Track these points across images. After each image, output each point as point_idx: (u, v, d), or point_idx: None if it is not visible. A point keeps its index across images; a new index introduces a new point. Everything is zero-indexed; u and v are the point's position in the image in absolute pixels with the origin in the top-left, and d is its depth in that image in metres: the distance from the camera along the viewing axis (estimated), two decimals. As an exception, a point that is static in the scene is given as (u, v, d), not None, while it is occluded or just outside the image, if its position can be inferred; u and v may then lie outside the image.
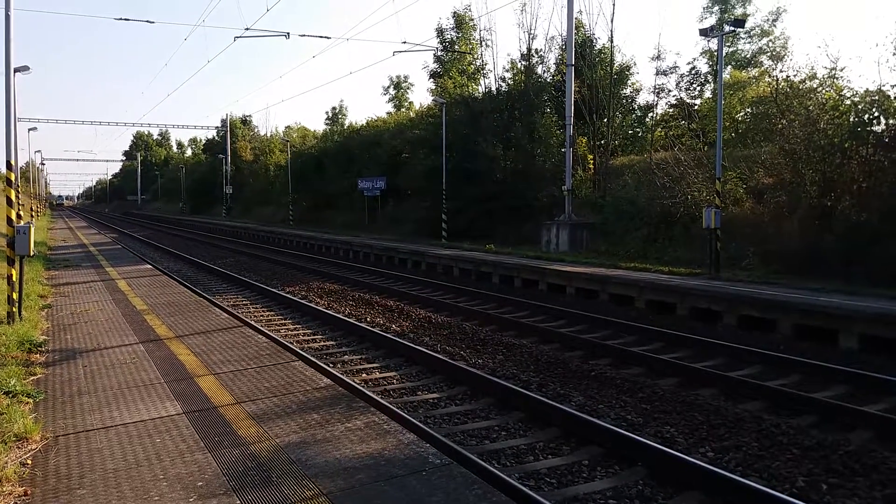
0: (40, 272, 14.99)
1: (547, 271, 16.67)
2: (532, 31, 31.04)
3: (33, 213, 43.74)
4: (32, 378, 6.34)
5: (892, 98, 14.90)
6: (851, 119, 15.38)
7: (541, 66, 31.55)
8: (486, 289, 16.53)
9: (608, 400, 7.69)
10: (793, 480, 5.50)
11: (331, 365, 9.09)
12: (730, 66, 32.69)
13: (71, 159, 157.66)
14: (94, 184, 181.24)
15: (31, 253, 9.21)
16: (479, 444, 6.32)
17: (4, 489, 3.90)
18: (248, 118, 75.48)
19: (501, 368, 9.05)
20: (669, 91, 31.21)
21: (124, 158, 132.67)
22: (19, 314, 8.92)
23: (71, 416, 5.27)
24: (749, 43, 35.94)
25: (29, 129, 51.95)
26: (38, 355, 7.29)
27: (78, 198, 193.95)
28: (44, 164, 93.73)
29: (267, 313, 13.50)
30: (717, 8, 36.53)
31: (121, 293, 12.27)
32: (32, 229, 9.00)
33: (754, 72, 30.31)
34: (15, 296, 8.94)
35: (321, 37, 60.41)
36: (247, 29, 27.75)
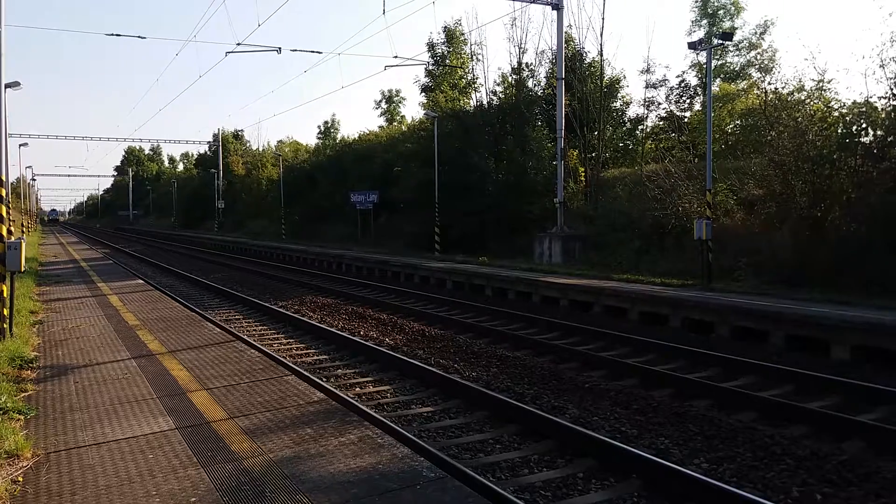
0: (31, 288, 14.91)
1: (540, 283, 16.69)
2: (522, 46, 31.27)
3: (24, 229, 43.53)
4: (24, 394, 6.29)
5: (880, 109, 15.04)
6: (840, 130, 15.50)
7: (531, 79, 31.73)
8: (479, 301, 16.54)
9: (602, 412, 7.68)
10: (787, 490, 5.50)
11: (324, 379, 9.06)
12: (719, 79, 32.94)
13: (62, 174, 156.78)
14: (86, 199, 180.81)
15: (23, 269, 9.16)
16: (474, 457, 6.31)
17: (-5, 507, 3.86)
18: (239, 133, 75.60)
19: (496, 381, 9.04)
20: (659, 104, 31.40)
21: (116, 173, 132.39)
22: (10, 330, 8.86)
23: (62, 432, 5.23)
24: (737, 56, 36.22)
25: (20, 145, 52.05)
26: (29, 371, 7.24)
27: (69, 213, 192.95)
28: (35, 180, 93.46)
29: (260, 328, 13.46)
30: (705, 21, 36.84)
31: (112, 308, 12.21)
32: (24, 245, 8.96)
33: (743, 84, 30.57)
34: (6, 312, 8.87)
35: (312, 51, 60.90)
36: (238, 44, 27.78)
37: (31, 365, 7.52)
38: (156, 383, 6.68)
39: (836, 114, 15.99)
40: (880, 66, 15.05)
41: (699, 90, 31.25)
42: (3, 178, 8.87)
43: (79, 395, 6.31)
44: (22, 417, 5.58)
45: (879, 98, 15.11)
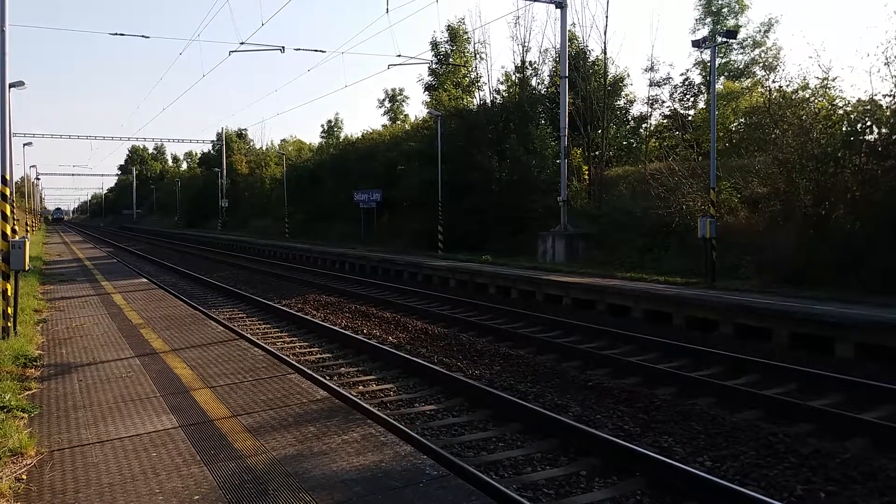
0: (35, 287, 14.95)
1: (543, 282, 16.68)
2: (526, 44, 31.28)
3: (28, 228, 43.64)
4: (28, 393, 6.31)
5: (884, 107, 14.98)
6: (844, 128, 15.45)
7: (535, 78, 31.75)
8: (482, 300, 16.52)
9: (606, 410, 7.68)
10: (791, 489, 5.49)
11: (327, 377, 9.07)
12: (723, 77, 32.90)
13: (66, 174, 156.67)
14: (90, 198, 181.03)
15: (27, 268, 9.18)
16: (477, 455, 6.31)
17: (-1, 505, 3.88)
18: (243, 132, 75.67)
19: (499, 379, 9.04)
20: (663, 102, 31.33)
21: (119, 173, 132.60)
22: (14, 329, 8.89)
23: (66, 430, 5.25)
24: (742, 54, 36.22)
25: (24, 144, 52.03)
26: (33, 370, 7.26)
27: (73, 212, 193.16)
28: (39, 179, 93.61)
29: (263, 326, 13.48)
30: (709, 19, 36.80)
31: (116, 307, 12.23)
32: (28, 244, 8.98)
33: (747, 82, 30.52)
34: (10, 310, 8.91)
35: (316, 50, 60.91)
36: (242, 43, 27.77)
37: (34, 363, 7.54)
38: (159, 381, 6.70)
39: (841, 112, 15.93)
40: (885, 64, 15.01)
41: (703, 88, 31.19)
42: (7, 177, 8.89)
43: (82, 393, 6.32)
44: (26, 415, 5.59)
45: (884, 96, 15.06)
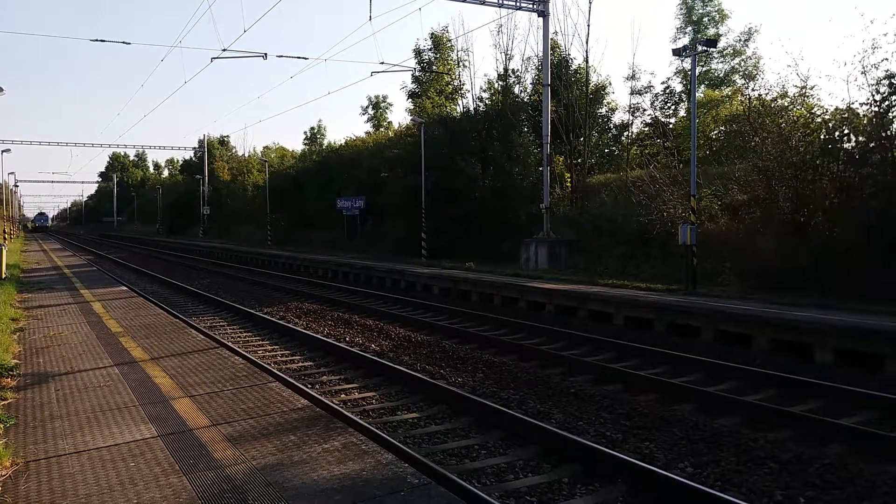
0: (12, 295, 14.71)
1: (526, 289, 16.72)
2: (508, 52, 31.40)
3: (6, 236, 43.04)
4: (3, 403, 6.20)
5: (861, 115, 15.21)
6: (822, 136, 15.68)
7: (518, 86, 31.89)
8: (465, 307, 16.53)
9: (588, 417, 7.69)
10: (771, 494, 5.53)
11: (309, 386, 9.02)
12: (703, 86, 33.25)
13: (45, 181, 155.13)
14: (70, 205, 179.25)
15: (3, 276, 9.06)
16: (459, 463, 6.29)
17: (-28, 517, 3.80)
18: (225, 138, 75.16)
19: (482, 387, 9.03)
20: (644, 110, 31.57)
21: (100, 180, 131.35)
22: (-10, 338, 8.75)
23: (42, 440, 5.17)
24: (722, 62, 36.59)
25: (2, 151, 51.45)
26: (9, 379, 7.14)
27: (52, 219, 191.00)
28: (17, 186, 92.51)
29: (244, 334, 13.38)
30: (690, 28, 37.18)
31: (95, 315, 12.09)
32: (5, 252, 8.86)
33: (727, 91, 30.89)
34: (-14, 319, 8.77)
35: (299, 57, 60.63)
36: (224, 50, 27.73)
37: (11, 373, 7.41)
38: (138, 390, 6.62)
39: (819, 120, 16.17)
40: (862, 73, 15.21)
41: (684, 96, 31.50)
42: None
43: (60, 402, 6.23)
44: (1, 426, 5.50)
45: (861, 104, 15.29)
